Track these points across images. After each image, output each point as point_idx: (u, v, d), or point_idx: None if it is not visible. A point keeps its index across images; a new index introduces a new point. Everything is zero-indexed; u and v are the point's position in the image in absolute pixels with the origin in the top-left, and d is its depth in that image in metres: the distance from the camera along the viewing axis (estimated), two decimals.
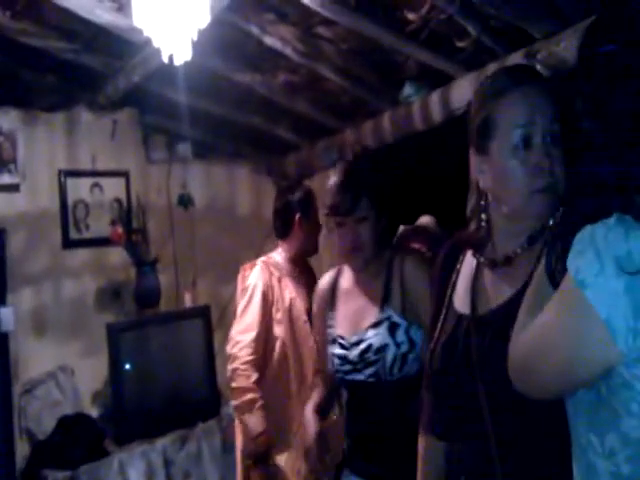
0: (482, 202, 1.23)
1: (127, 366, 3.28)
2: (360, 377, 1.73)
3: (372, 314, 1.75)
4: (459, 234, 1.35)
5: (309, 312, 2.37)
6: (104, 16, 2.55)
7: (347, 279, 1.88)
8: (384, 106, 3.19)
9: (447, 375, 1.22)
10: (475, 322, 1.17)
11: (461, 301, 1.24)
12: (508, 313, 1.07)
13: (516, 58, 2.45)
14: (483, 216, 1.23)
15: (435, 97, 2.88)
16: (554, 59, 2.26)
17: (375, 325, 1.72)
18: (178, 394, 3.40)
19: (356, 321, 1.78)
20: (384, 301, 1.75)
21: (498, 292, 1.17)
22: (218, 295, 3.82)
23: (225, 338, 2.60)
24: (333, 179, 1.82)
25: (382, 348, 1.68)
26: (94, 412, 3.46)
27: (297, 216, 2.52)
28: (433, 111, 2.90)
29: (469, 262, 1.28)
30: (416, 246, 3.34)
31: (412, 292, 1.73)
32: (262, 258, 2.60)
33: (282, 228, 2.58)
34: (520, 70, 1.29)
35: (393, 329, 1.70)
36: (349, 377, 1.76)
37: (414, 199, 3.06)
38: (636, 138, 0.87)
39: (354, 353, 1.73)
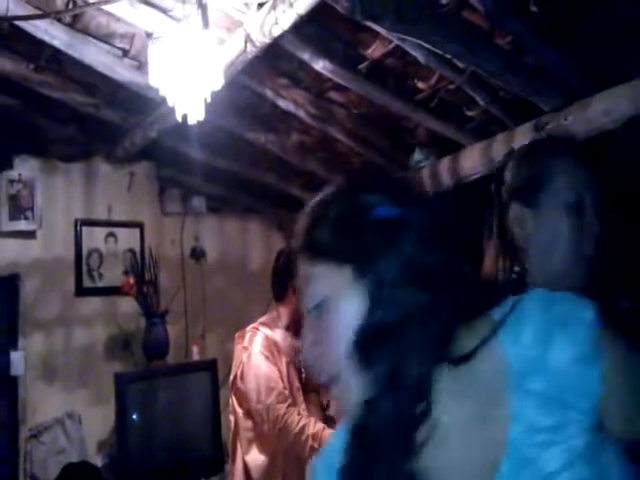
0: (516, 268, 1.11)
1: (133, 416, 3.22)
2: None
3: None
4: None
5: (300, 378, 2.32)
6: (124, 73, 2.64)
7: None
8: (394, 169, 3.21)
9: None
10: None
11: None
12: None
13: (525, 129, 2.47)
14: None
15: (445, 164, 2.91)
16: (562, 132, 2.28)
17: None
18: (182, 448, 3.31)
19: None
20: None
21: None
22: (226, 350, 3.73)
23: None
24: None
25: None
26: (99, 461, 3.40)
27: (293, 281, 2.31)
28: (443, 177, 2.91)
29: None
30: None
31: None
32: (257, 325, 2.41)
33: (278, 291, 2.40)
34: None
35: None
36: None
37: None
38: None
39: None
